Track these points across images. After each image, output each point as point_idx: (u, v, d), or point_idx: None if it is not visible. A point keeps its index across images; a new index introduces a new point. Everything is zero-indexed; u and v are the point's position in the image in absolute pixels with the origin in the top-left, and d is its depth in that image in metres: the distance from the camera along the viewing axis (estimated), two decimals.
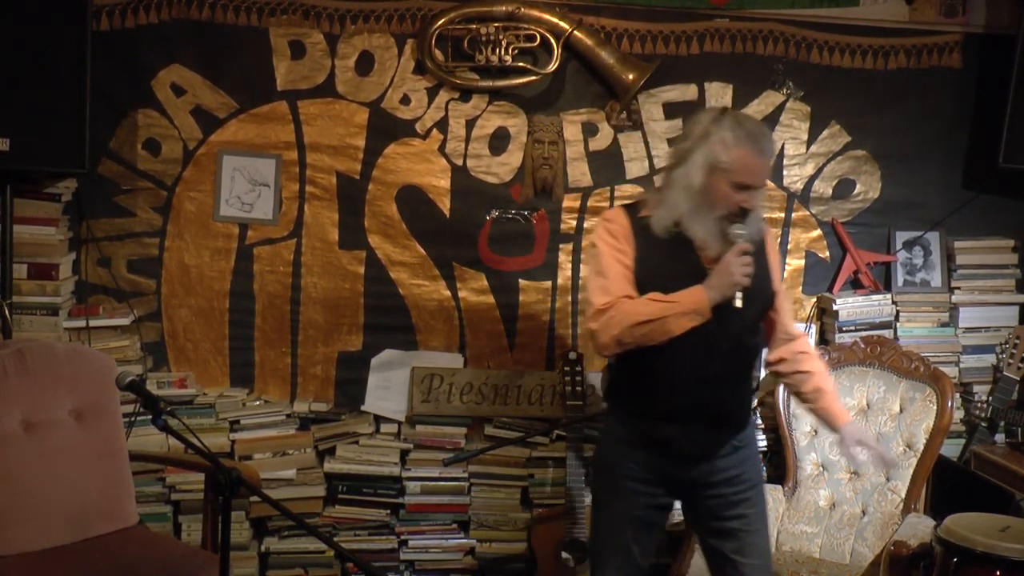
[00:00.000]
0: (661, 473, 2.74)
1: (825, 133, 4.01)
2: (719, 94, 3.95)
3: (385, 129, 3.89)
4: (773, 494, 3.67)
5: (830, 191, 4.04)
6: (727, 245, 2.59)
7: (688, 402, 2.66)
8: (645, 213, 2.72)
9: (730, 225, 2.59)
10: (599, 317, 2.65)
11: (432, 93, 3.89)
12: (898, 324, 4.00)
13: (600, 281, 2.68)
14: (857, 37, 3.97)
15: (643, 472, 2.74)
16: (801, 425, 3.73)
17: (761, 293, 2.70)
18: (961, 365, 4.02)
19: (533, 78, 3.83)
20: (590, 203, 3.96)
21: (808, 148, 4.02)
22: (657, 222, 2.67)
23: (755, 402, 2.98)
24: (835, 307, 3.91)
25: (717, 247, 2.61)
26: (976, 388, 4.02)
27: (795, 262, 4.05)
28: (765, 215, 2.88)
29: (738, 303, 2.57)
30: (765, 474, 3.88)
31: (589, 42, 3.83)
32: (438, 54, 3.82)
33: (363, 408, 3.95)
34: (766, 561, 2.85)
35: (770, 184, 3.99)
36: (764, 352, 2.93)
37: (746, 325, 2.67)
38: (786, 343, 2.85)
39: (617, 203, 3.88)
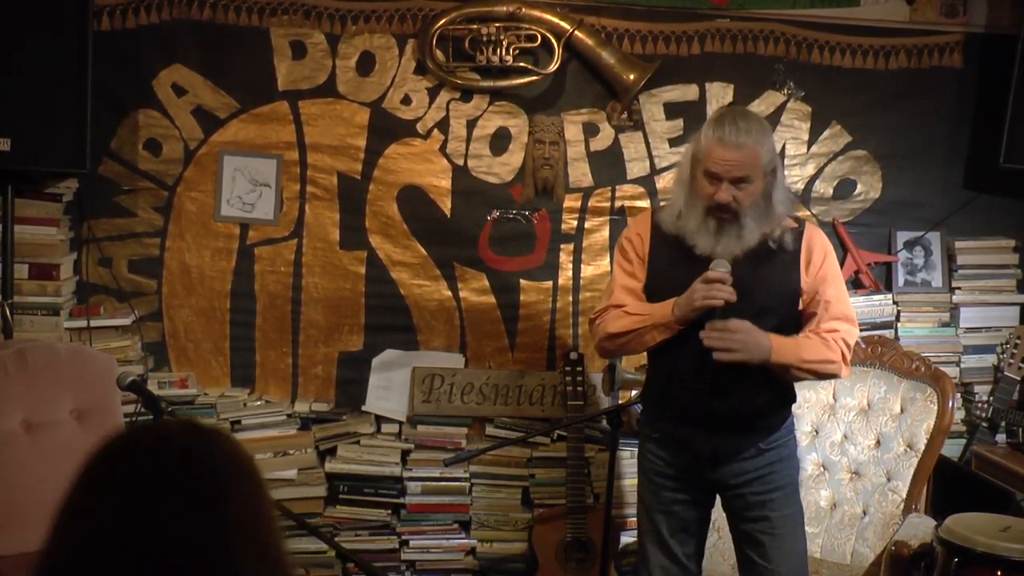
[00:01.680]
0: (685, 471, 2.83)
1: (826, 133, 4.01)
2: (720, 94, 3.95)
3: (386, 129, 3.89)
4: None
5: (831, 191, 4.04)
6: (715, 241, 2.66)
7: (696, 405, 2.74)
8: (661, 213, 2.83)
9: (717, 241, 2.66)
10: (592, 325, 2.90)
11: (433, 93, 3.89)
12: (899, 324, 4.00)
13: (608, 289, 2.90)
14: (858, 37, 3.97)
15: (668, 468, 2.85)
16: (802, 425, 3.73)
17: (778, 296, 2.72)
18: (962, 365, 4.02)
19: (534, 78, 3.83)
20: (591, 203, 3.96)
21: (809, 148, 4.02)
22: (664, 218, 2.77)
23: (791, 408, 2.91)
24: None
25: (704, 243, 2.67)
26: (977, 388, 4.02)
27: None
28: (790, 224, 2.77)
29: (712, 326, 2.61)
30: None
31: (590, 42, 3.83)
32: (439, 54, 3.82)
33: (364, 408, 3.95)
34: (794, 566, 2.82)
35: None
36: None
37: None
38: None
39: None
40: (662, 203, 2.92)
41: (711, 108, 3.94)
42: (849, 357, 2.77)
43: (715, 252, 2.66)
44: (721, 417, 2.74)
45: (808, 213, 4.03)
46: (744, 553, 2.86)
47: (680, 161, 2.84)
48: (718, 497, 2.93)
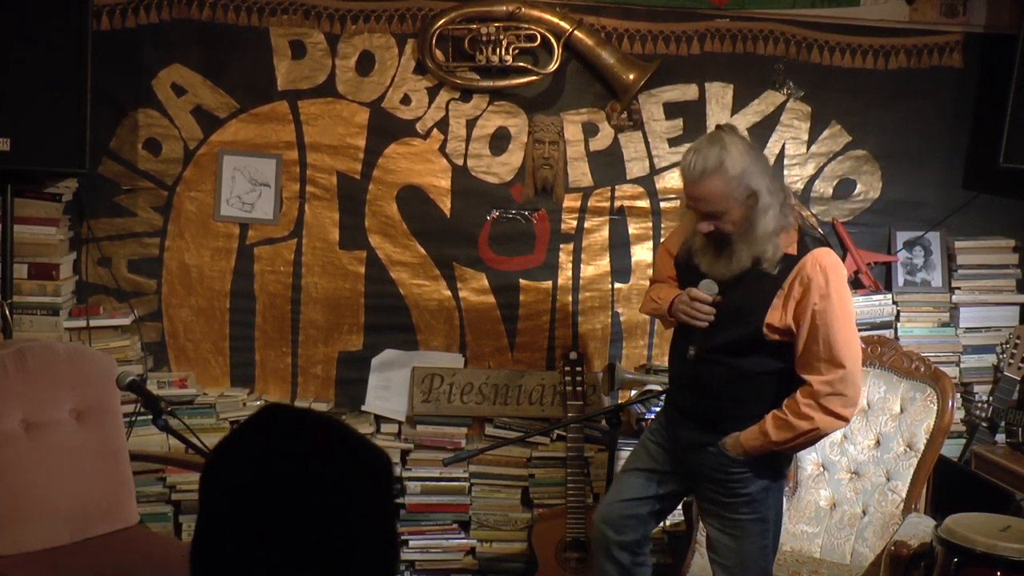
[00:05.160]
0: (672, 431, 2.99)
1: (826, 133, 4.01)
2: (720, 94, 3.95)
3: (386, 129, 3.89)
4: None
5: (830, 191, 4.04)
6: (713, 261, 2.76)
7: (677, 390, 2.96)
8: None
9: (715, 262, 2.77)
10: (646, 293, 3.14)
11: (433, 93, 3.89)
12: (898, 324, 4.00)
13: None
14: (858, 37, 3.97)
15: (664, 423, 3.04)
16: None
17: (738, 322, 2.73)
18: (962, 365, 4.02)
19: (534, 78, 3.83)
20: (590, 203, 3.97)
21: (808, 148, 4.02)
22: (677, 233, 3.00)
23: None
24: None
25: (704, 263, 2.79)
26: (977, 388, 4.02)
27: None
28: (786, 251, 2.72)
29: (678, 297, 2.84)
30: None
31: (590, 42, 3.83)
32: (439, 54, 3.82)
33: (364, 408, 3.96)
34: (743, 568, 2.88)
35: None
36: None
37: (715, 346, 2.77)
38: (802, 383, 2.74)
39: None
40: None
41: (711, 108, 3.95)
42: (833, 405, 2.69)
43: (712, 271, 2.76)
44: (687, 410, 2.90)
45: (808, 213, 4.02)
46: (708, 537, 3.00)
47: None
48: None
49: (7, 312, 3.56)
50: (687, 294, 2.78)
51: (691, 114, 3.95)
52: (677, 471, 3.00)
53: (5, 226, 3.58)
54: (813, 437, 2.77)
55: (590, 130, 3.93)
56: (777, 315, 2.69)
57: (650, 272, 3.85)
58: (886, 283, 4.07)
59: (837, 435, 3.68)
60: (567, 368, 3.82)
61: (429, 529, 3.91)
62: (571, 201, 3.96)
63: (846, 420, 2.74)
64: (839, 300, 2.69)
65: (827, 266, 2.70)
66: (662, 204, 3.98)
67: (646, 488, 3.02)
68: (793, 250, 2.70)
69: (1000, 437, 3.89)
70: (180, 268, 3.91)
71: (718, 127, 2.74)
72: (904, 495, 3.51)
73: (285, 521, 1.22)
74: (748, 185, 2.62)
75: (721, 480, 2.85)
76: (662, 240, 3.18)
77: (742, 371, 2.77)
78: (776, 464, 2.87)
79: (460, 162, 3.93)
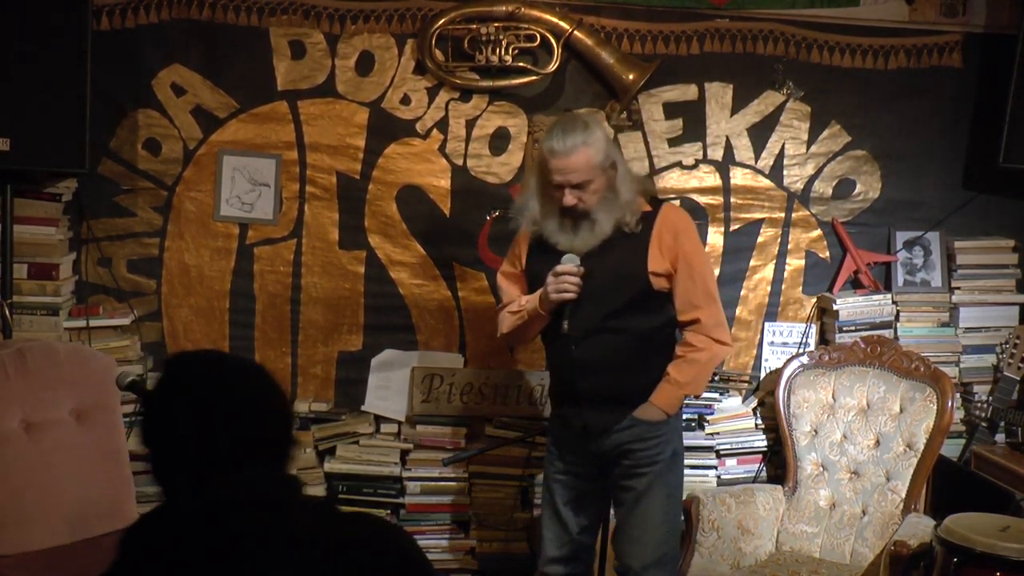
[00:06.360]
0: (568, 444, 3.11)
1: (825, 133, 4.01)
2: (719, 94, 3.95)
3: (385, 129, 3.89)
4: (773, 494, 3.68)
5: (830, 191, 4.04)
6: (573, 236, 2.92)
7: (567, 385, 3.04)
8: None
9: (575, 236, 2.93)
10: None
11: (432, 93, 3.89)
12: (898, 324, 4.00)
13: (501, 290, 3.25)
14: (857, 37, 3.97)
15: (556, 445, 3.17)
16: (801, 425, 3.74)
17: (623, 283, 2.95)
18: (961, 365, 4.02)
19: (533, 78, 3.83)
20: None
21: (808, 148, 4.02)
22: (525, 224, 3.06)
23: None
24: (835, 307, 3.91)
25: (564, 240, 2.94)
26: (976, 388, 4.02)
27: (795, 262, 4.05)
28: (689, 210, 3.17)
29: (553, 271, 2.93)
30: (766, 473, 3.92)
31: (589, 42, 3.83)
32: (438, 54, 3.82)
33: (363, 408, 3.95)
34: (645, 536, 3.02)
35: (770, 184, 4.00)
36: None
37: (607, 312, 2.93)
38: (685, 323, 3.03)
39: None
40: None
41: (710, 108, 3.95)
42: (719, 334, 3.02)
43: (573, 247, 2.93)
44: (587, 395, 2.99)
45: (808, 213, 4.02)
46: (616, 515, 3.11)
47: (531, 168, 3.11)
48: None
49: (7, 312, 3.56)
50: (552, 273, 2.91)
51: (691, 114, 3.95)
52: (587, 484, 3.12)
53: (5, 226, 3.58)
54: (711, 367, 3.10)
55: None
56: (656, 262, 2.95)
57: None
58: (886, 283, 4.07)
59: (837, 435, 3.69)
60: None
61: (429, 529, 3.91)
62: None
63: (731, 346, 3.18)
64: (699, 242, 3.11)
65: (683, 215, 3.11)
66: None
67: (571, 527, 3.14)
68: (646, 207, 2.99)
69: (1000, 437, 3.89)
70: (180, 268, 3.91)
71: (568, 111, 2.98)
72: (904, 495, 3.51)
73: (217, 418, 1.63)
74: (609, 155, 2.92)
75: (637, 451, 2.99)
76: (499, 271, 3.22)
77: (636, 331, 2.96)
78: (679, 431, 3.13)
79: (460, 162, 3.93)
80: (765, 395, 3.94)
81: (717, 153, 3.98)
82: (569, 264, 2.91)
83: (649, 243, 2.95)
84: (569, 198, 2.88)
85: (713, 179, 3.98)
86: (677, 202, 3.86)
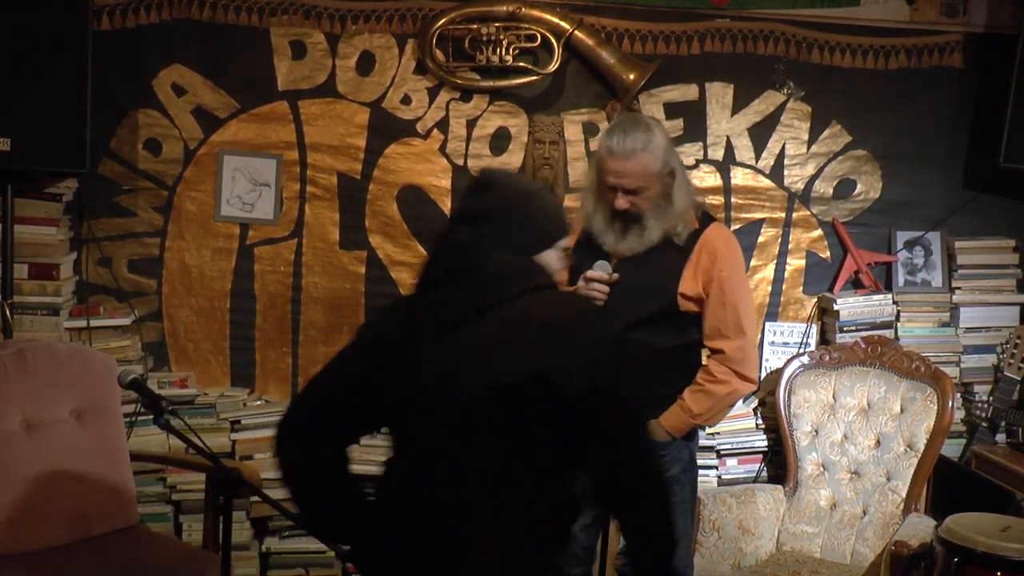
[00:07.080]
0: None
1: (826, 133, 4.01)
2: (720, 94, 3.95)
3: (386, 129, 3.89)
4: (774, 494, 3.67)
5: (831, 191, 4.04)
6: (620, 239, 2.88)
7: None
8: None
9: (623, 239, 2.88)
10: None
11: (433, 93, 3.89)
12: (899, 324, 4.00)
13: None
14: (858, 37, 3.97)
15: None
16: (802, 425, 3.74)
17: (652, 296, 2.88)
18: (962, 365, 4.02)
19: (534, 78, 3.83)
20: None
21: (809, 148, 4.02)
22: (583, 211, 3.00)
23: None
24: (836, 307, 3.91)
25: (611, 241, 2.90)
26: (977, 388, 4.02)
27: (796, 262, 4.05)
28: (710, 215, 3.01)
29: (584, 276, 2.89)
30: (766, 473, 3.92)
31: (590, 42, 3.83)
32: (439, 54, 3.82)
33: None
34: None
35: (771, 184, 4.00)
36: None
37: (627, 323, 2.84)
38: (712, 350, 2.96)
39: None
40: None
41: (711, 108, 3.95)
42: (745, 369, 2.92)
43: (618, 249, 2.88)
44: None
45: (808, 213, 4.02)
46: None
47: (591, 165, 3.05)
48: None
49: (7, 312, 3.56)
50: (583, 277, 2.88)
51: (691, 114, 3.95)
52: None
53: (5, 226, 3.58)
54: (730, 402, 3.00)
55: (590, 130, 3.93)
56: (689, 284, 2.88)
57: None
58: (886, 283, 4.07)
59: (837, 435, 3.69)
60: None
61: None
62: (572, 201, 3.95)
63: (755, 383, 3.03)
64: (740, 270, 2.99)
65: (727, 237, 2.99)
66: None
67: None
68: (696, 224, 2.92)
69: (1000, 437, 3.89)
70: (180, 268, 3.91)
71: (631, 111, 2.87)
72: (904, 495, 3.51)
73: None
74: (668, 163, 2.85)
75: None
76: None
77: (655, 347, 2.89)
78: (691, 449, 3.05)
79: (460, 162, 3.93)
80: (766, 395, 3.94)
81: (718, 153, 3.98)
82: (600, 271, 2.87)
83: (686, 263, 2.88)
84: (621, 202, 2.82)
85: (714, 179, 3.98)
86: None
